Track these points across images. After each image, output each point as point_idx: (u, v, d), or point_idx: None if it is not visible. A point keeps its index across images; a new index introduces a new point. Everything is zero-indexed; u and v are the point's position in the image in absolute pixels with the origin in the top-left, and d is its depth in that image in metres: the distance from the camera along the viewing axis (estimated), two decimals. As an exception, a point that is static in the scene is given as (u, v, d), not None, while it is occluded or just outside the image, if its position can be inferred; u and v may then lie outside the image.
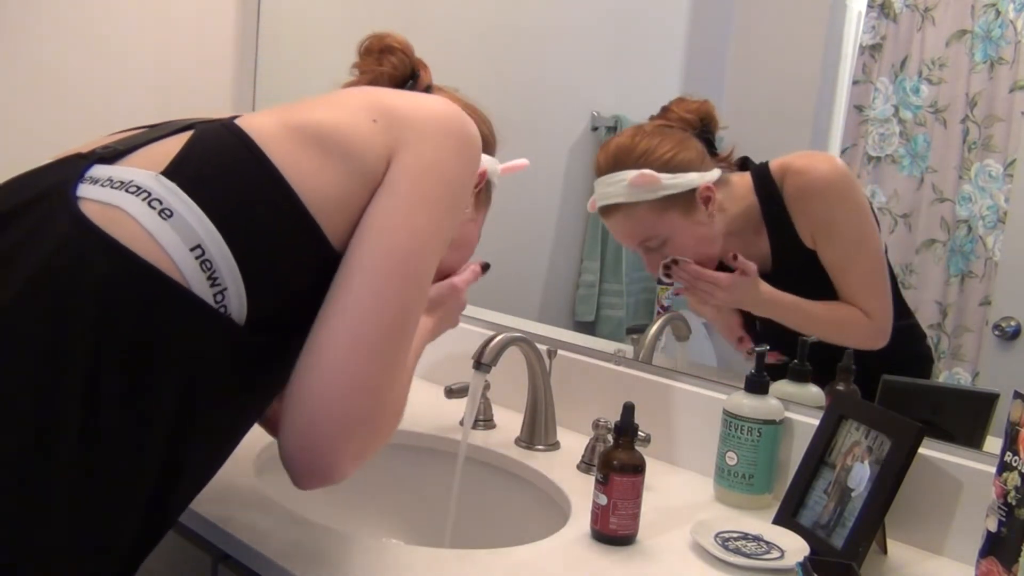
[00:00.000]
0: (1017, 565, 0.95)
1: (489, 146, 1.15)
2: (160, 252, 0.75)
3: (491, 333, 1.33)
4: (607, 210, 1.40)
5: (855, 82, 1.36)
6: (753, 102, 1.42)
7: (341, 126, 0.87)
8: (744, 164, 1.41)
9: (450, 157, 0.90)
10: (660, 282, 1.63)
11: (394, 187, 0.87)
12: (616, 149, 1.39)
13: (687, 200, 1.35)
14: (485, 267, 1.20)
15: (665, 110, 1.42)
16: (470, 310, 1.67)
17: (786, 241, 1.34)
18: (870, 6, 1.35)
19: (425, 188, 0.88)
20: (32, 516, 0.72)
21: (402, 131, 0.88)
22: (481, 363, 1.29)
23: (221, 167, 0.82)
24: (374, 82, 1.07)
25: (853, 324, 1.31)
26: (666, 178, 1.34)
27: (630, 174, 1.34)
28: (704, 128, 1.40)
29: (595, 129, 1.71)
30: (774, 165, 1.36)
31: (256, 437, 1.13)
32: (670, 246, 1.37)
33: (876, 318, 1.31)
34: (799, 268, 1.35)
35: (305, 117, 0.88)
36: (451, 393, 1.43)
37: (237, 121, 0.87)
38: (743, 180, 1.39)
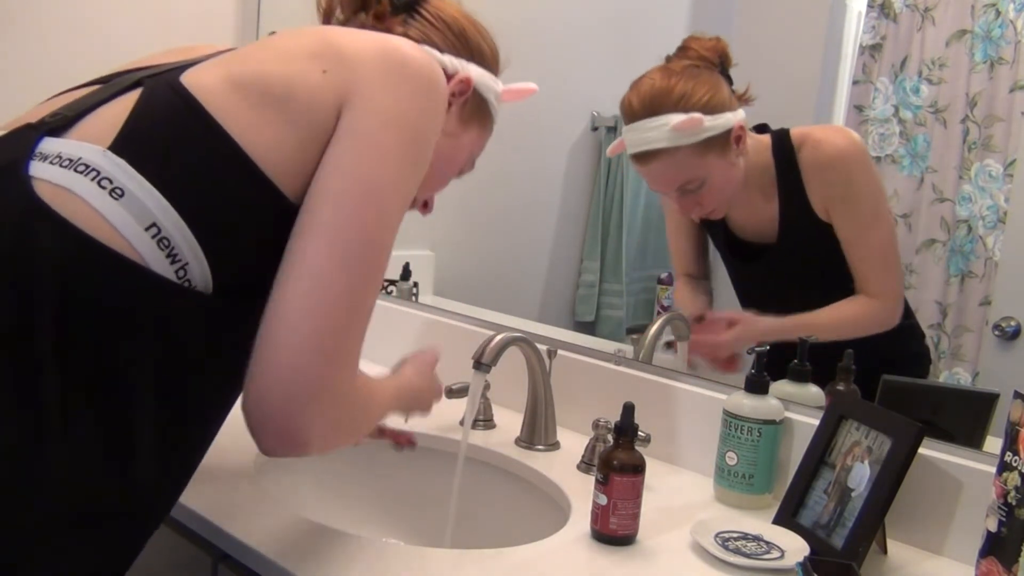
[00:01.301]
0: (1017, 565, 0.95)
1: (487, 60, 1.08)
2: (115, 234, 0.74)
3: (491, 333, 1.33)
4: (646, 156, 1.37)
5: (855, 82, 1.36)
6: (753, 102, 1.42)
7: (290, 81, 0.83)
8: (763, 130, 1.41)
9: (406, 103, 0.85)
10: (660, 281, 1.63)
11: (344, 137, 0.82)
12: (652, 92, 1.36)
13: (723, 141, 1.36)
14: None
15: (684, 49, 1.40)
16: (470, 310, 1.67)
17: (796, 209, 1.35)
18: (870, 6, 1.35)
19: (379, 136, 0.83)
20: (16, 508, 0.72)
21: (352, 77, 0.84)
22: (481, 363, 1.29)
23: (169, 136, 0.79)
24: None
25: (863, 317, 1.33)
26: (708, 120, 1.34)
27: (673, 118, 1.33)
28: (723, 66, 1.40)
29: (595, 129, 1.71)
30: (794, 132, 1.37)
31: (256, 437, 1.13)
32: (707, 187, 1.37)
33: (886, 296, 1.32)
34: (805, 239, 1.35)
35: (252, 71, 0.84)
36: (451, 393, 1.42)
37: (183, 79, 0.83)
38: (761, 137, 1.40)
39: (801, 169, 1.35)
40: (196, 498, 1.09)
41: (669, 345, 1.51)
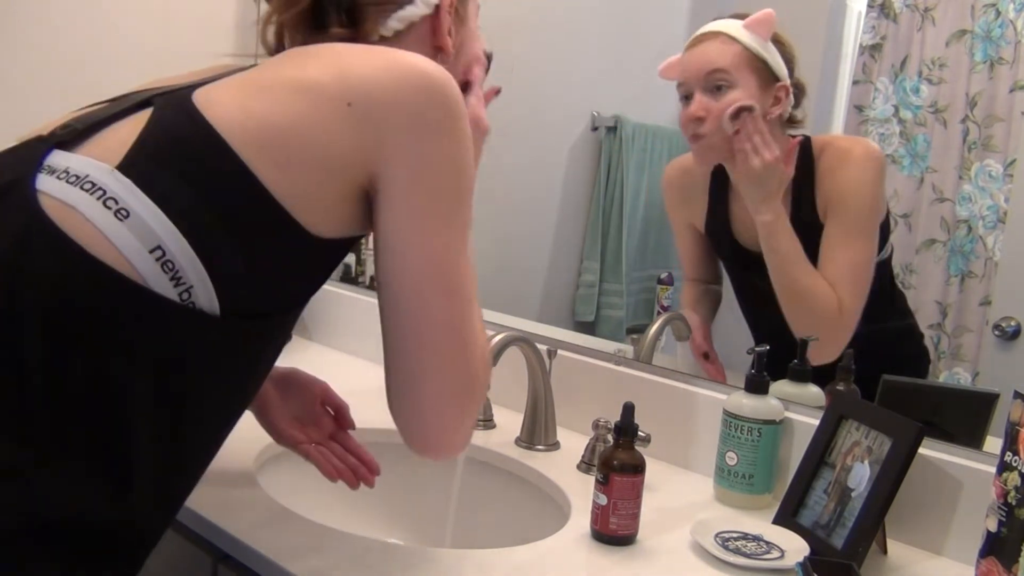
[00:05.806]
0: (1017, 565, 0.95)
1: None
2: (117, 254, 0.73)
3: (491, 333, 1.33)
4: (704, 36, 1.39)
5: (855, 82, 1.36)
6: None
7: (314, 126, 0.80)
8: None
9: (445, 140, 0.84)
10: (660, 281, 1.63)
11: (403, 199, 0.82)
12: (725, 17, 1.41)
13: (769, 81, 1.36)
14: (497, 91, 1.09)
15: None
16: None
17: (804, 213, 1.35)
18: (870, 6, 1.35)
19: (435, 189, 0.83)
20: (19, 528, 0.71)
21: (386, 125, 0.81)
22: (481, 363, 1.29)
23: (179, 158, 0.78)
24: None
25: (825, 305, 1.31)
26: (771, 47, 1.36)
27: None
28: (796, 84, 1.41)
29: (595, 129, 1.71)
30: (816, 139, 1.37)
31: (256, 437, 1.13)
32: (729, 98, 1.36)
33: (844, 313, 1.30)
34: (809, 245, 1.34)
35: (272, 111, 0.80)
36: (451, 393, 1.42)
37: (196, 101, 0.80)
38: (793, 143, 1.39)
39: (816, 173, 1.35)
40: (196, 498, 1.09)
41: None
